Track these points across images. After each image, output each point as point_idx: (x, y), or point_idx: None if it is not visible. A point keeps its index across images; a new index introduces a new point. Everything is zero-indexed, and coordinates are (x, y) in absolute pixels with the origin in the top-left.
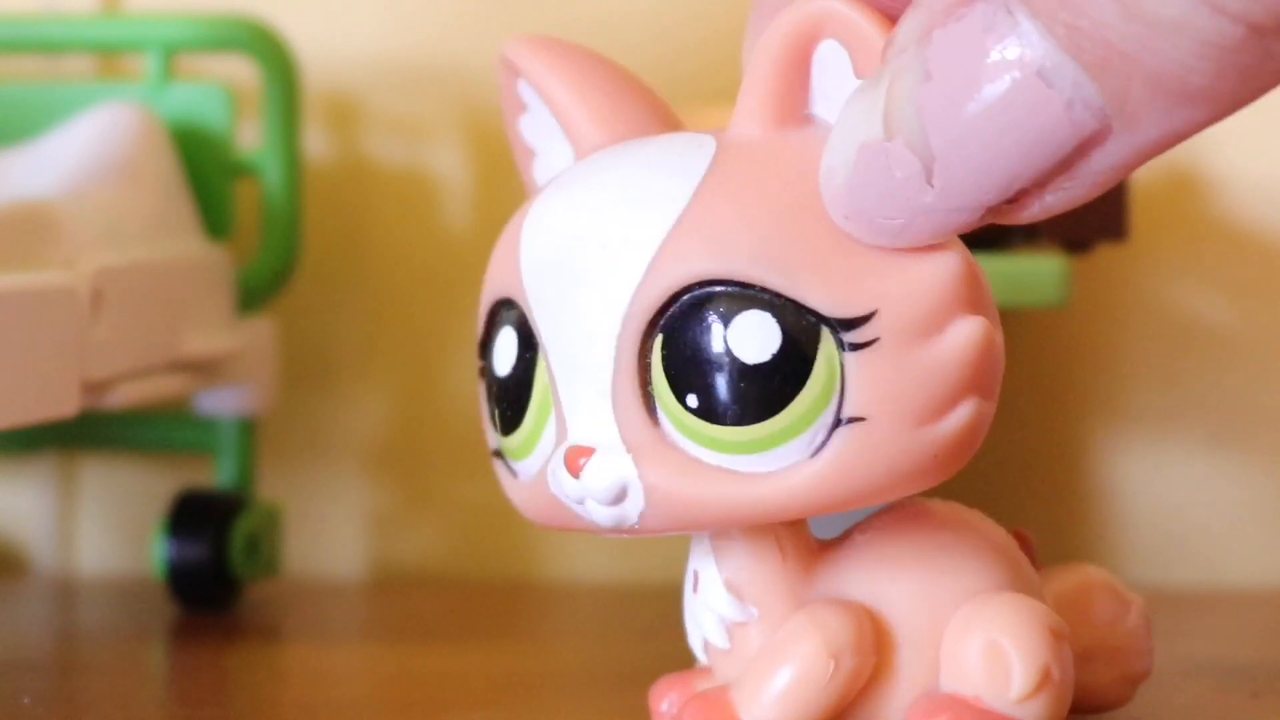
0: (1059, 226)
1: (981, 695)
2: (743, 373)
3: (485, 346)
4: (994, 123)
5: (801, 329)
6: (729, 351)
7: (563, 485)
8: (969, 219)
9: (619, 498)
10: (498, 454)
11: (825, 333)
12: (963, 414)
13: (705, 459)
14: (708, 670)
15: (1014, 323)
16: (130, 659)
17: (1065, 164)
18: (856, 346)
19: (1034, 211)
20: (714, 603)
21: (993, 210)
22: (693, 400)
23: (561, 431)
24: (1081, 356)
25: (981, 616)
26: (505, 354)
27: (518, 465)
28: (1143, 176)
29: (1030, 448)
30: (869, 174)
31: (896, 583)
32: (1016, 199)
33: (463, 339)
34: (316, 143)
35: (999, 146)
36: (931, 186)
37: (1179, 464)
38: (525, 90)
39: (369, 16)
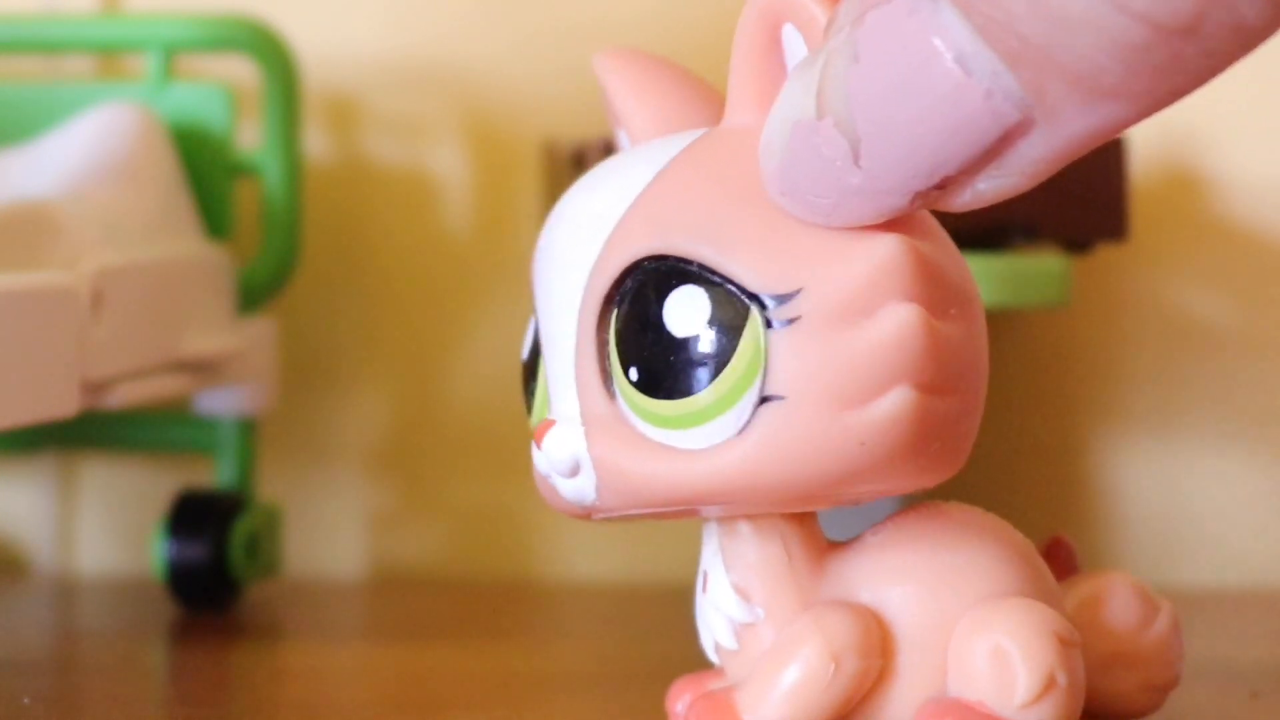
0: (1059, 226)
1: (986, 700)
2: (674, 345)
3: None
4: (916, 108)
5: (729, 303)
6: (663, 325)
7: (535, 458)
8: (898, 202)
9: (574, 470)
10: None
11: (753, 309)
12: (892, 402)
13: (649, 434)
14: (721, 671)
15: (1014, 323)
16: (130, 659)
17: (991, 153)
18: (781, 323)
19: (966, 199)
20: (722, 604)
21: (922, 195)
22: (634, 373)
23: (549, 409)
24: (1081, 356)
25: (988, 621)
26: (528, 340)
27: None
28: (1143, 176)
29: (1030, 448)
30: (801, 152)
31: (904, 585)
32: (945, 185)
33: (462, 339)
34: (316, 143)
35: (921, 132)
36: (859, 168)
37: (1179, 463)
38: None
39: (369, 16)
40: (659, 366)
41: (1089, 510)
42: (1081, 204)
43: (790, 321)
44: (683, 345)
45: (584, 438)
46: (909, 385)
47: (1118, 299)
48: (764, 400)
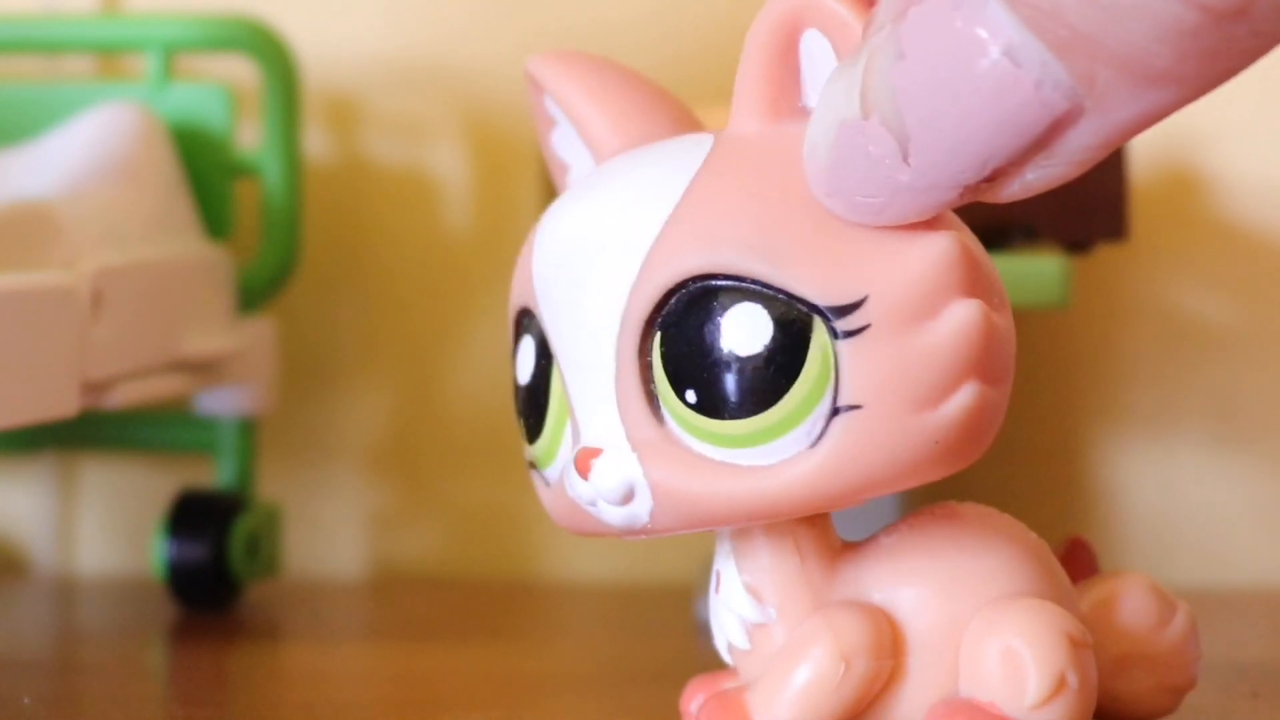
0: (1059, 226)
1: (997, 701)
2: (737, 365)
3: (514, 356)
4: (965, 102)
5: (792, 319)
6: (722, 345)
7: (575, 488)
8: (947, 197)
9: (627, 497)
10: (532, 465)
11: (817, 321)
12: (964, 399)
13: (709, 455)
14: (735, 671)
15: (1014, 323)
16: (130, 659)
17: (1040, 143)
18: (848, 334)
19: (1014, 190)
20: (734, 604)
21: (971, 189)
22: (691, 396)
23: (576, 435)
24: (1081, 356)
25: (999, 622)
26: (525, 362)
27: (545, 473)
28: (1143, 176)
29: (1030, 448)
30: (848, 152)
31: (916, 586)
32: (994, 178)
33: (462, 339)
34: (316, 143)
35: (971, 126)
36: (908, 165)
37: (1179, 463)
38: (551, 105)
39: (369, 16)
40: (719, 387)
41: (1089, 510)
42: (1081, 204)
43: (859, 331)
44: (745, 364)
45: (638, 463)
46: (976, 379)
47: (1118, 299)
48: (837, 411)
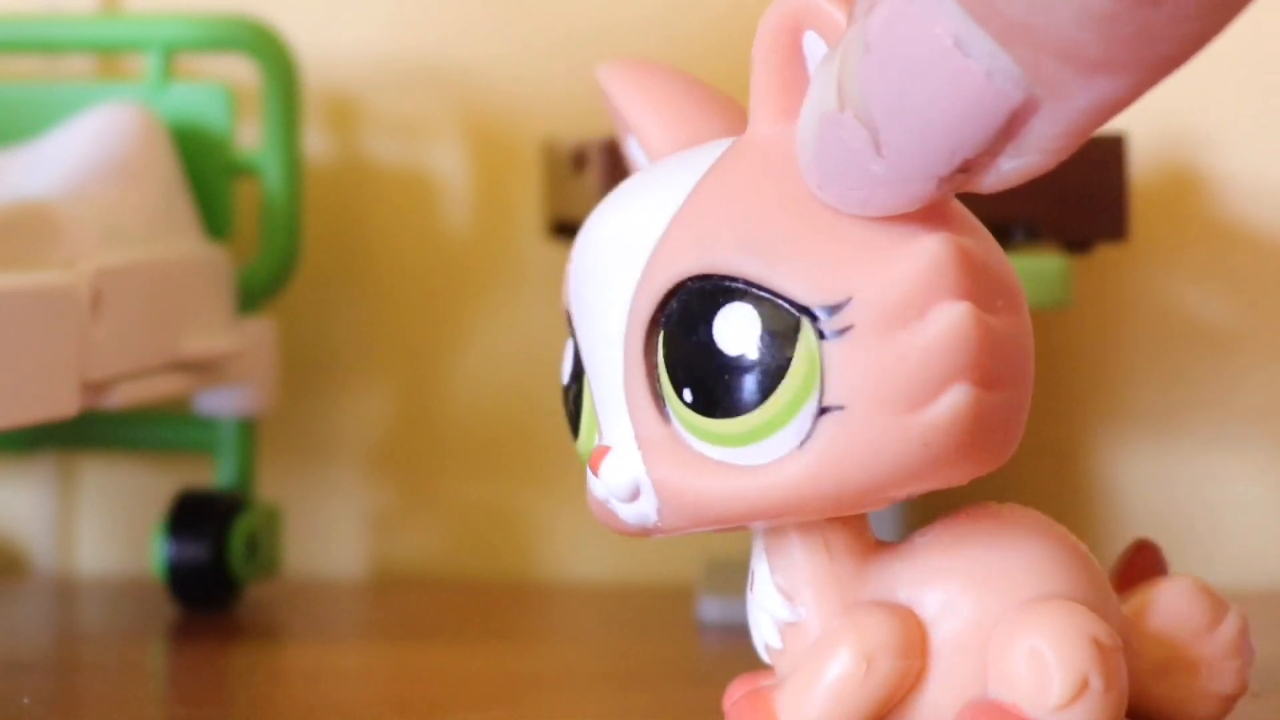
0: (1059, 226)
1: (1021, 702)
2: (727, 365)
3: None
4: (924, 93)
5: (780, 318)
6: (714, 344)
7: (592, 485)
8: (924, 188)
9: (634, 495)
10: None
11: (804, 321)
12: (952, 401)
13: (708, 454)
14: (773, 670)
15: None
16: (130, 659)
17: (1005, 133)
18: (834, 334)
19: (992, 181)
20: (766, 604)
21: (947, 180)
22: (688, 394)
23: (600, 434)
24: (1081, 356)
25: (1025, 623)
26: (568, 363)
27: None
28: (1143, 176)
29: (1030, 448)
30: (829, 144)
31: (945, 586)
32: (967, 169)
33: (462, 339)
34: (316, 143)
35: (933, 117)
36: (881, 156)
37: (1180, 463)
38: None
39: (369, 16)
40: (713, 386)
41: (1089, 510)
42: (1081, 204)
43: (843, 331)
44: (735, 363)
45: (642, 462)
46: (966, 382)
47: (1118, 299)
48: (823, 411)
